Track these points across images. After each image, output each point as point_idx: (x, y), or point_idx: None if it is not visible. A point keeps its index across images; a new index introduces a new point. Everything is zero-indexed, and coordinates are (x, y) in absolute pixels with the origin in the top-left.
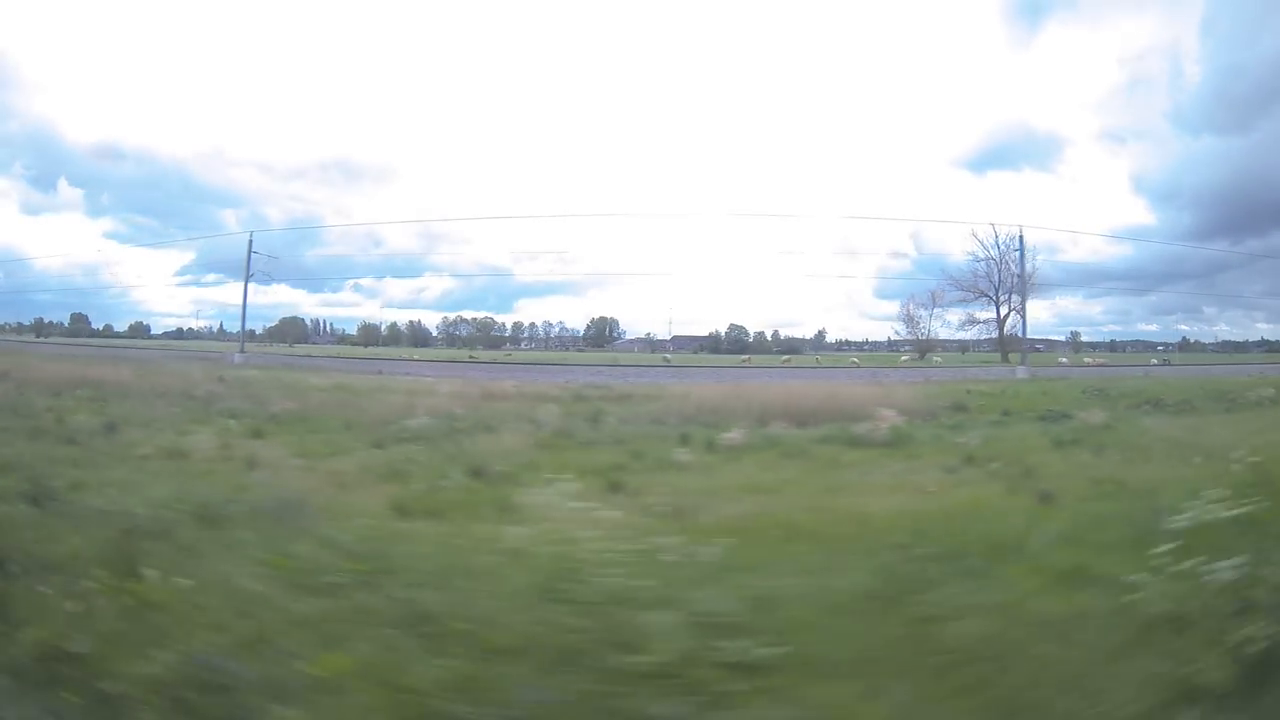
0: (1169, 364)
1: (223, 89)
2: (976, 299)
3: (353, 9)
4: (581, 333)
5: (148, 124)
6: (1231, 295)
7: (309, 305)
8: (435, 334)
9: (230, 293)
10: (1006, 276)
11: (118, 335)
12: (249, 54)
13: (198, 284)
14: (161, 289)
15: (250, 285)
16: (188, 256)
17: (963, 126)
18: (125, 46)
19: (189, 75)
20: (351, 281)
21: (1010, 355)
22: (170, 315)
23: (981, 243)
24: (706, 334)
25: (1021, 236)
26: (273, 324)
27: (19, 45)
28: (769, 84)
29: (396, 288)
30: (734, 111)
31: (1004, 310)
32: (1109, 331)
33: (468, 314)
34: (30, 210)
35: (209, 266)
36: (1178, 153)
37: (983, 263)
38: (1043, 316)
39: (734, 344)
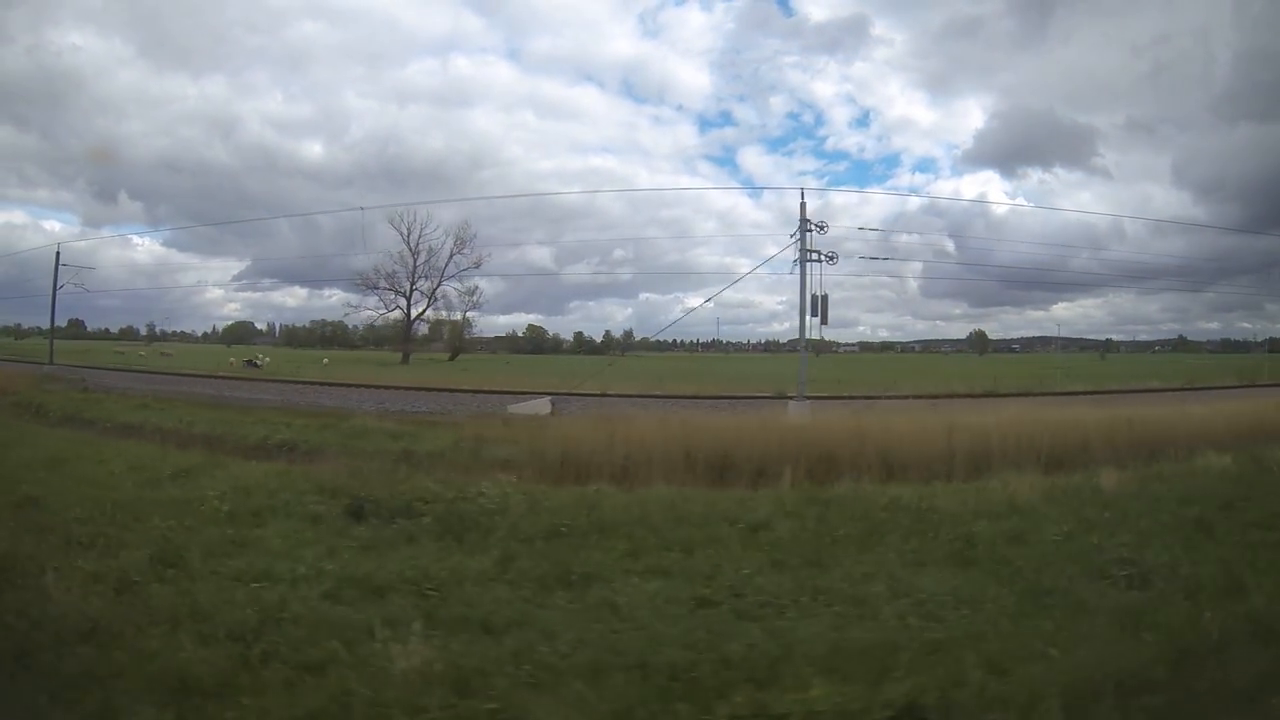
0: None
1: (270, 102)
2: (373, 290)
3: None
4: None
5: (202, 138)
6: None
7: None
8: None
9: (283, 296)
10: (427, 267)
11: (112, 337)
12: (299, 70)
13: (253, 288)
14: (219, 293)
15: (304, 289)
16: (244, 263)
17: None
18: (180, 67)
19: (239, 89)
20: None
21: (412, 356)
22: (229, 318)
23: (397, 229)
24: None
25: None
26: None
27: (81, 67)
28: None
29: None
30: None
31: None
32: (1167, 330)
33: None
34: (93, 222)
35: (263, 271)
36: (1217, 143)
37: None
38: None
39: (533, 345)
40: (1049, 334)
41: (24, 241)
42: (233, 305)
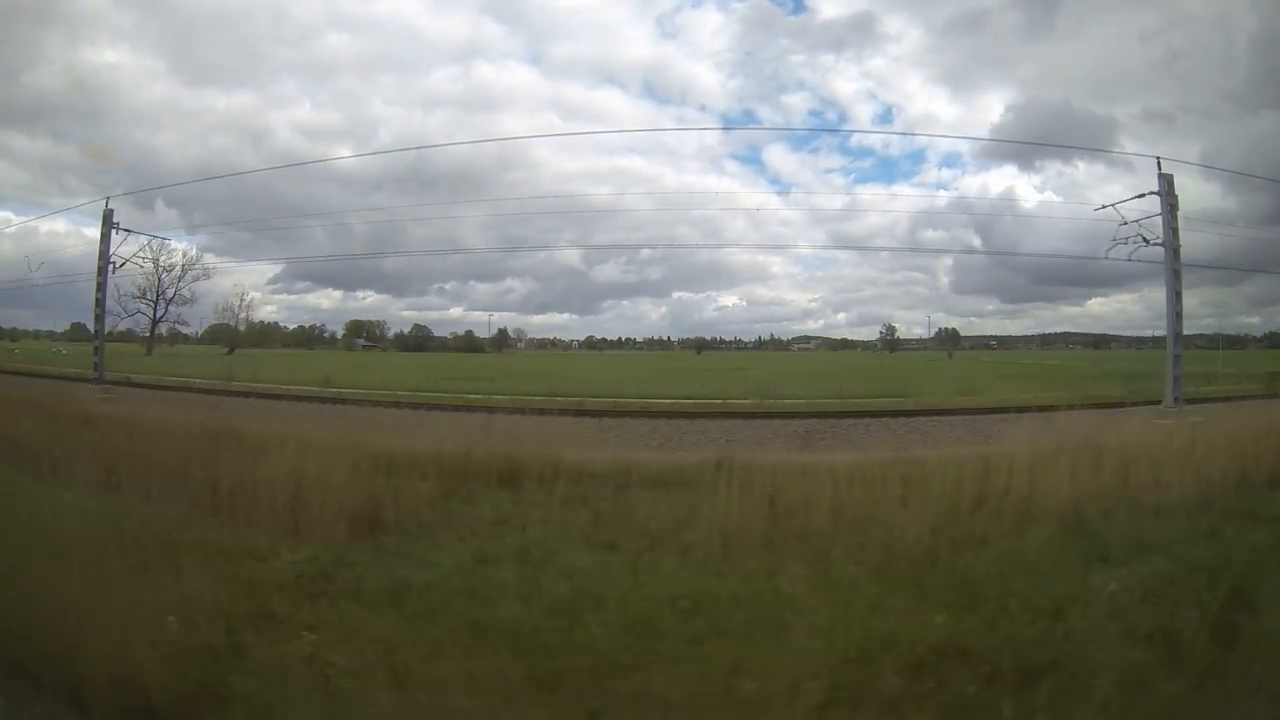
0: None
1: (299, 111)
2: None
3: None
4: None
5: (234, 147)
6: None
7: (395, 308)
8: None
9: (319, 299)
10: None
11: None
12: (325, 80)
13: (288, 292)
14: (256, 295)
15: (339, 291)
16: (278, 267)
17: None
18: (211, 80)
19: (268, 99)
20: (436, 285)
21: (155, 350)
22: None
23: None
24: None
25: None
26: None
27: (116, 83)
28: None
29: (480, 290)
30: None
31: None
32: (1207, 325)
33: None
34: (131, 229)
35: (298, 275)
36: (1241, 132)
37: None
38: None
39: (418, 342)
40: (1087, 330)
41: (66, 248)
42: (269, 308)
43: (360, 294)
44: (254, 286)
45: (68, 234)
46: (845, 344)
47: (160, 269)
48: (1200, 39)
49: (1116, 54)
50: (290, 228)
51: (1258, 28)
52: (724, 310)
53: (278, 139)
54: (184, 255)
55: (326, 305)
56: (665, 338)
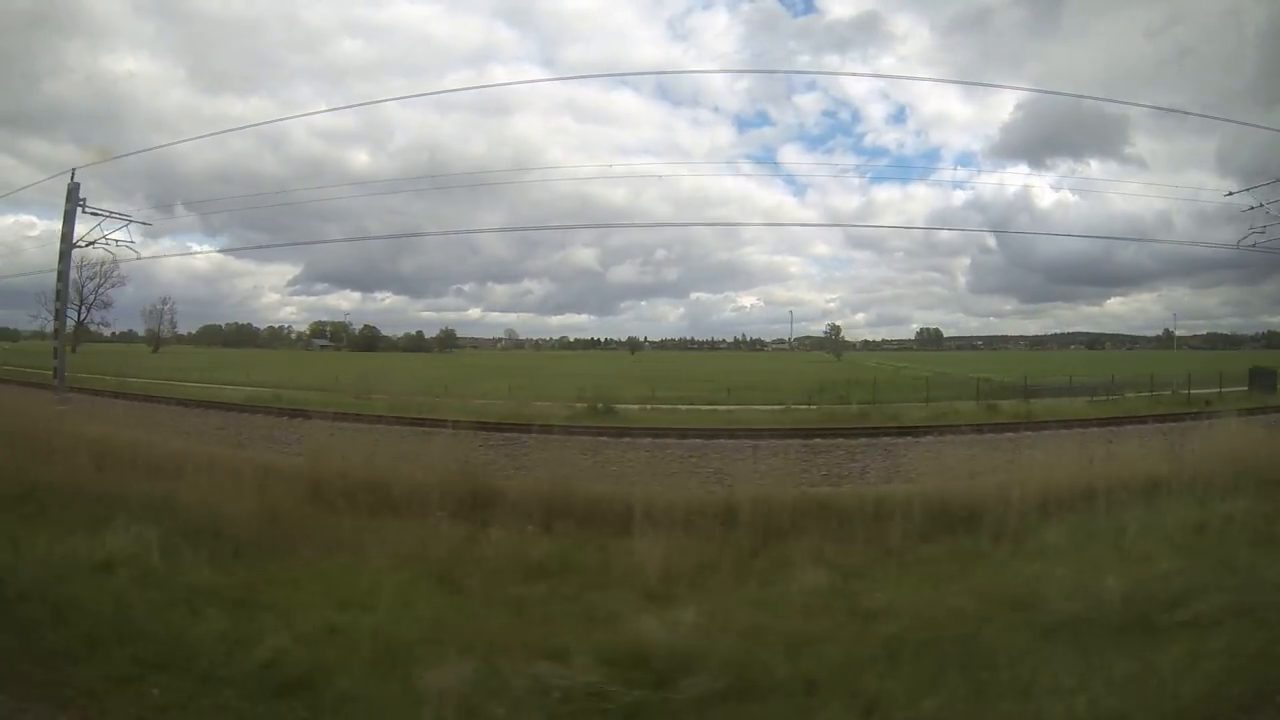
0: None
1: (315, 115)
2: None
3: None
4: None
5: (252, 151)
6: None
7: (413, 310)
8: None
9: (338, 300)
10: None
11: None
12: (340, 85)
13: (307, 294)
14: (275, 297)
15: (357, 292)
16: (298, 268)
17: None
18: (228, 86)
19: (285, 104)
20: (454, 286)
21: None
22: (286, 323)
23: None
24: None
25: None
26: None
27: (136, 91)
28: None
29: (498, 292)
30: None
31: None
32: (1228, 324)
33: None
34: (151, 233)
35: (316, 276)
36: (1256, 127)
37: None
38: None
39: (367, 343)
40: (1106, 330)
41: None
42: (289, 309)
43: (378, 295)
44: (273, 288)
45: (90, 234)
46: (819, 345)
47: (83, 275)
48: (1208, 34)
49: (1124, 51)
50: (308, 228)
51: (1266, 22)
52: (742, 311)
53: (294, 142)
54: (101, 263)
55: (345, 306)
56: (644, 338)
